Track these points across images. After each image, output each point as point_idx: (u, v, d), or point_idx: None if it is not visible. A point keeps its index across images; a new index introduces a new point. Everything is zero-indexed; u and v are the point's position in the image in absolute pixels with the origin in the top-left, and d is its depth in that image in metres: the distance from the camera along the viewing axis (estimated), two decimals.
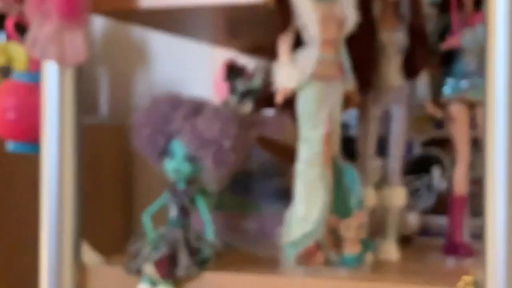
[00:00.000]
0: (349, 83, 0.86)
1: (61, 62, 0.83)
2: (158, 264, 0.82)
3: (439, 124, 1.07)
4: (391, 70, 0.91)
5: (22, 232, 1.07)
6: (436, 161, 1.08)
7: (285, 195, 0.96)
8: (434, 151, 1.08)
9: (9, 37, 0.97)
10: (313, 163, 0.82)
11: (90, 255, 0.88)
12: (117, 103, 1.36)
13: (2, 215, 1.06)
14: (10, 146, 0.91)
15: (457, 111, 0.93)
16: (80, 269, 0.87)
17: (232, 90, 1.14)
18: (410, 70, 0.91)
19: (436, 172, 1.08)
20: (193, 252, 0.84)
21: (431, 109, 0.90)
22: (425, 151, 1.09)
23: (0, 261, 1.05)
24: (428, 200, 1.08)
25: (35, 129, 0.87)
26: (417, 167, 1.08)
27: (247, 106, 1.07)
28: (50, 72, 0.85)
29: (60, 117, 0.85)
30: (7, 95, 0.89)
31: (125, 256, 0.88)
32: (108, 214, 1.27)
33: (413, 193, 1.08)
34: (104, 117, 1.36)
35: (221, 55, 1.20)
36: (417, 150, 1.09)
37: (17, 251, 1.07)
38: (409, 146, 1.07)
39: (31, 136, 0.88)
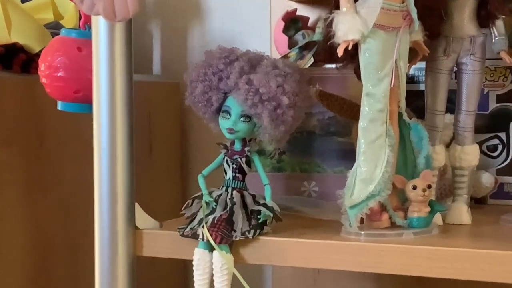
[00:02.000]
0: (417, 33, 0.84)
1: (110, 17, 0.83)
2: (214, 228, 0.83)
3: None
4: (464, 17, 0.89)
5: (75, 195, 1.10)
6: None
7: (348, 155, 0.96)
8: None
9: None
10: (377, 121, 0.81)
11: (145, 220, 0.90)
12: (170, 59, 1.36)
13: (54, 178, 1.09)
14: (60, 105, 0.93)
15: None
16: (134, 233, 0.88)
17: (292, 43, 1.14)
18: (484, 17, 0.89)
19: None
20: (251, 215, 0.85)
21: (508, 60, 0.87)
22: (501, 106, 1.06)
23: (54, 225, 1.08)
24: (504, 159, 1.06)
25: (85, 88, 0.89)
26: (492, 124, 1.06)
27: (308, 60, 1.06)
28: (100, 28, 0.86)
29: (110, 74, 0.86)
30: (56, 52, 0.90)
31: (181, 220, 0.90)
32: (162, 176, 1.29)
33: (488, 152, 1.06)
34: (157, 75, 1.37)
35: (280, 6, 1.19)
36: (493, 105, 1.06)
37: (71, 215, 1.11)
38: (483, 100, 1.04)
39: (81, 95, 0.90)
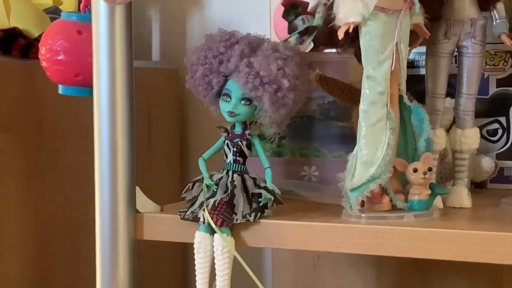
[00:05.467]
0: (417, 16, 0.84)
1: (110, 0, 0.83)
2: (215, 211, 0.83)
3: None
4: (464, 0, 0.88)
5: (75, 180, 1.10)
6: None
7: (348, 140, 0.96)
8: None
9: None
10: (377, 103, 0.81)
11: (146, 204, 0.90)
12: (170, 46, 1.36)
13: (54, 163, 1.09)
14: (61, 89, 0.93)
15: None
16: (135, 217, 0.89)
17: (292, 28, 1.13)
18: (485, 0, 0.88)
19: None
20: (251, 199, 0.85)
21: (509, 43, 0.87)
22: (502, 90, 1.06)
23: (54, 210, 1.09)
24: (504, 144, 1.06)
25: (85, 71, 0.89)
26: (492, 108, 1.06)
27: (308, 45, 1.06)
28: (100, 11, 0.86)
29: (110, 57, 0.86)
30: (56, 35, 0.90)
31: (181, 204, 0.90)
32: (161, 161, 1.29)
33: (488, 136, 1.06)
34: (156, 61, 1.37)
35: None
36: (493, 90, 1.06)
37: (71, 200, 1.11)
38: (483, 85, 1.04)
39: (81, 79, 0.90)
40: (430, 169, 0.82)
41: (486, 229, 0.76)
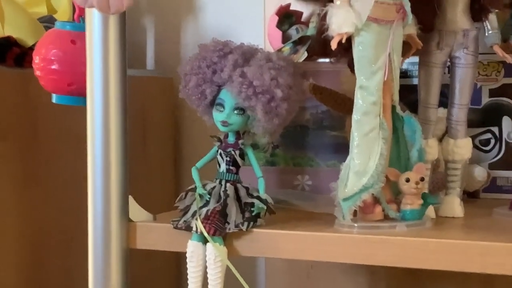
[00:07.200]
0: (410, 27, 0.84)
1: (104, 9, 0.83)
2: (207, 221, 0.83)
3: (510, 70, 1.04)
4: (457, 11, 0.89)
5: (69, 188, 1.10)
6: (506, 111, 1.05)
7: (341, 149, 0.96)
8: (504, 100, 1.06)
9: None
10: (370, 113, 0.81)
11: (138, 212, 0.90)
12: (164, 54, 1.36)
13: (48, 171, 1.08)
14: (55, 98, 0.93)
15: None
16: (128, 226, 0.88)
17: (286, 38, 1.14)
18: (477, 11, 0.89)
19: (506, 123, 1.05)
20: (244, 208, 0.85)
21: (501, 54, 0.88)
22: (494, 100, 1.06)
23: (48, 218, 1.08)
24: (496, 154, 1.06)
25: (79, 80, 0.88)
26: (485, 118, 1.06)
27: (301, 55, 1.06)
28: (94, 20, 0.86)
29: (104, 67, 0.86)
30: (49, 45, 0.90)
31: (174, 213, 0.89)
32: (155, 170, 1.29)
33: (480, 146, 1.06)
34: (151, 69, 1.37)
35: (274, 1, 1.19)
36: (485, 100, 1.06)
37: (65, 207, 1.10)
38: (476, 95, 1.04)
39: (75, 88, 0.90)
40: (422, 179, 0.82)
41: (478, 239, 0.76)
